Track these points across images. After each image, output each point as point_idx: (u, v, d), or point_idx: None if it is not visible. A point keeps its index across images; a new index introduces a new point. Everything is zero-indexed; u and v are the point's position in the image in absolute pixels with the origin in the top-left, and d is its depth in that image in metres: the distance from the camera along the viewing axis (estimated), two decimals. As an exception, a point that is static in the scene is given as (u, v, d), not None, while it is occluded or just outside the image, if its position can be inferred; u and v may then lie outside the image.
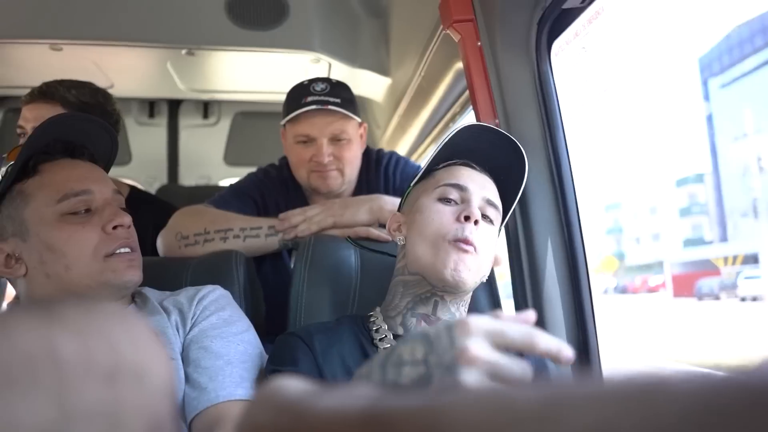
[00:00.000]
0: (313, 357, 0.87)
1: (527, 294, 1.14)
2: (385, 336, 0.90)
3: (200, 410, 0.87)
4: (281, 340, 0.93)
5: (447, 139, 0.94)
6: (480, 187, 0.93)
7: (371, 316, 0.95)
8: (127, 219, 0.97)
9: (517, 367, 0.43)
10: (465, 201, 0.91)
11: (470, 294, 0.95)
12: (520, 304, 1.17)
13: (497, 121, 1.16)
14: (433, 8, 1.30)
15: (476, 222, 0.89)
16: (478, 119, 1.18)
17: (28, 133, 1.43)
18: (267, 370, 0.90)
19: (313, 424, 0.32)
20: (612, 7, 0.94)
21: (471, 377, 0.42)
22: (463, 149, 0.97)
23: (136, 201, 1.59)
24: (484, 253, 0.90)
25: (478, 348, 0.42)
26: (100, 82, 1.83)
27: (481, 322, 0.44)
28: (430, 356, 0.44)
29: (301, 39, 1.83)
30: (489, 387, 0.41)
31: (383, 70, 1.98)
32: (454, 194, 0.92)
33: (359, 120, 1.48)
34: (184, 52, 1.86)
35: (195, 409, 0.88)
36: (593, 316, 1.10)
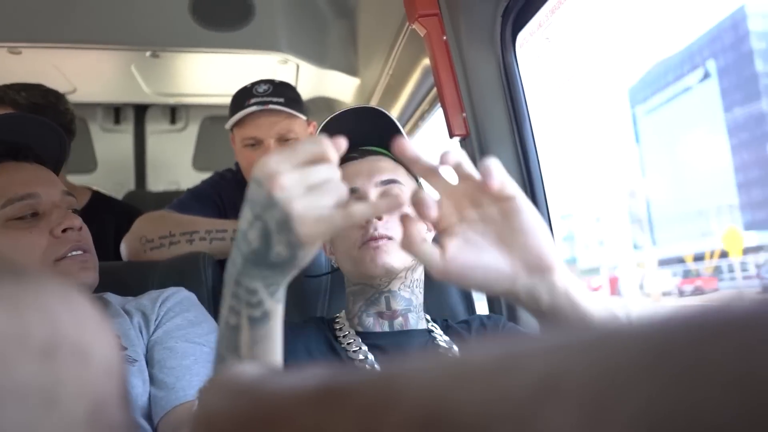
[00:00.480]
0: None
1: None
2: (348, 332, 0.90)
3: (168, 410, 0.85)
4: None
5: (320, 129, 0.93)
6: (368, 176, 0.91)
7: (337, 317, 0.95)
8: (77, 221, 0.93)
9: (323, 171, 0.47)
10: (362, 198, 0.89)
11: (416, 272, 0.93)
12: (492, 299, 1.17)
13: (464, 114, 1.16)
14: (398, 5, 1.30)
15: (379, 218, 0.86)
16: (445, 113, 1.18)
17: None
18: None
19: (269, 405, 0.32)
20: (574, -3, 0.95)
21: (292, 203, 0.46)
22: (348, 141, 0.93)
23: (98, 206, 1.56)
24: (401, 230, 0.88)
25: (280, 173, 0.47)
26: (62, 87, 1.78)
27: (274, 156, 0.48)
28: (255, 209, 0.48)
29: (267, 40, 1.82)
30: (431, 355, 0.40)
31: (352, 71, 1.97)
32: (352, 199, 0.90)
33: (305, 118, 1.47)
34: (148, 54, 1.83)
35: (163, 409, 0.86)
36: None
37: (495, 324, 0.96)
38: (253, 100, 1.41)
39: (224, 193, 1.50)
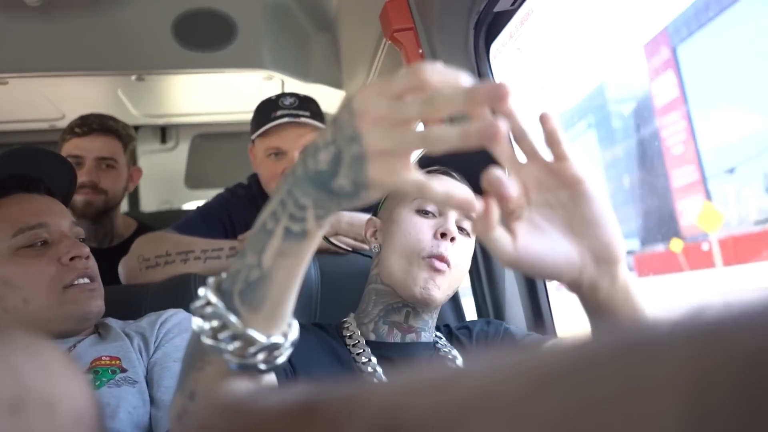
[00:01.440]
0: None
1: (485, 291, 1.16)
2: (358, 341, 0.90)
3: (167, 429, 0.87)
4: None
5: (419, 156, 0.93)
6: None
7: (345, 322, 0.95)
8: (85, 250, 0.97)
9: (407, 107, 0.42)
10: (442, 214, 0.90)
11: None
12: (479, 301, 1.19)
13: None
14: (375, 20, 1.32)
15: (452, 239, 0.87)
16: (424, 125, 1.20)
17: (85, 162, 1.55)
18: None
19: (256, 421, 0.34)
20: (541, 7, 0.97)
21: (373, 136, 0.43)
22: (444, 156, 0.95)
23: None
24: (458, 268, 0.90)
25: (375, 106, 0.43)
26: (51, 114, 1.81)
27: (374, 87, 0.44)
28: (337, 134, 0.45)
29: (251, 58, 1.84)
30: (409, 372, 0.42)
31: (336, 84, 1.99)
32: (431, 206, 0.91)
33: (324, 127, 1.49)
34: (133, 78, 1.85)
35: (162, 428, 0.88)
36: (550, 311, 1.12)
37: (496, 329, 0.97)
38: (281, 112, 1.43)
39: (234, 210, 1.51)
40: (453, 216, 0.90)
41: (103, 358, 0.93)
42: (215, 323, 0.50)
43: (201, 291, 0.52)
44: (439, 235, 0.88)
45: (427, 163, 0.97)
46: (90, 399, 0.32)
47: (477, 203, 0.44)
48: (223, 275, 0.53)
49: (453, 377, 0.26)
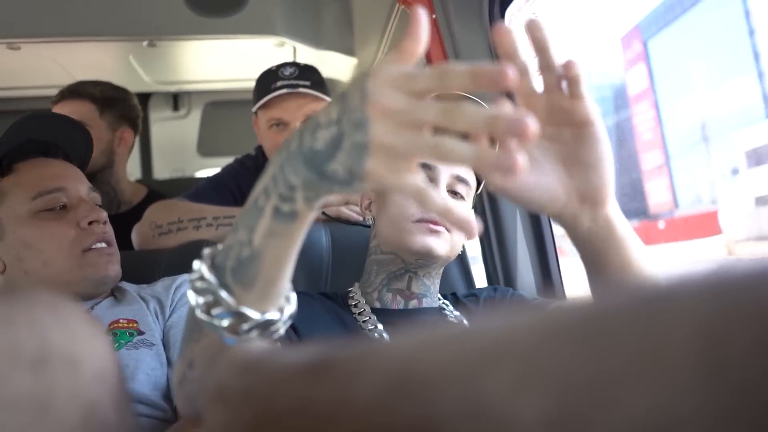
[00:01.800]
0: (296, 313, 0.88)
1: (496, 259, 1.16)
2: (363, 309, 0.91)
3: None
4: None
5: None
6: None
7: (350, 292, 0.96)
8: (103, 214, 0.99)
9: (424, 109, 0.38)
10: (433, 180, 0.90)
11: (443, 267, 0.96)
12: (489, 270, 1.19)
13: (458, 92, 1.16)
14: (389, -16, 1.30)
15: None
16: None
17: None
18: None
19: (268, 379, 0.35)
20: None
21: (381, 129, 0.40)
22: None
23: (152, 202, 1.57)
24: (455, 232, 0.90)
25: (389, 98, 0.39)
26: (63, 80, 1.81)
27: (393, 69, 0.40)
28: (343, 116, 0.42)
29: (263, 23, 1.82)
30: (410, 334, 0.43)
31: (348, 50, 1.97)
32: (421, 174, 0.90)
33: (330, 100, 1.48)
34: (145, 44, 1.84)
35: None
36: (560, 278, 1.12)
37: (503, 295, 0.98)
38: (280, 83, 1.43)
39: (243, 180, 1.52)
40: (444, 181, 0.89)
41: (121, 320, 0.95)
42: (209, 298, 0.49)
43: (195, 264, 0.50)
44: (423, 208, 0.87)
45: None
46: (112, 358, 0.33)
47: (475, 227, 0.41)
48: (219, 247, 0.51)
49: (465, 334, 0.26)
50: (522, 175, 0.47)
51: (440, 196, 0.41)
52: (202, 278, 0.49)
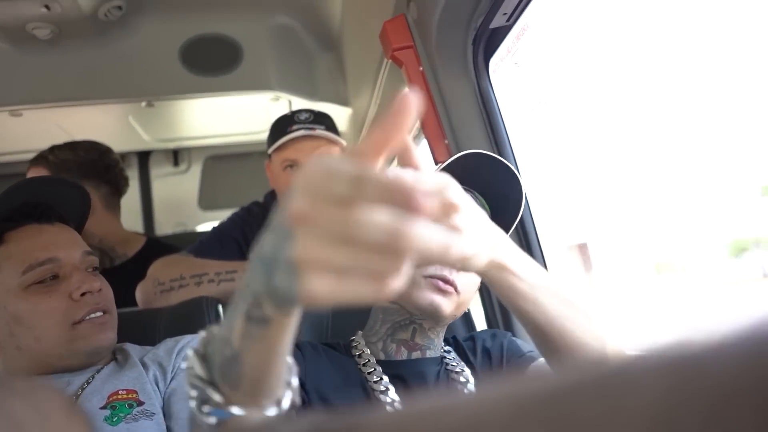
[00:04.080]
0: (302, 367, 0.86)
1: (494, 302, 1.16)
2: (368, 361, 0.90)
3: None
4: None
5: (440, 168, 0.89)
6: None
7: (353, 341, 0.96)
8: (96, 283, 0.97)
9: (344, 220, 0.32)
10: None
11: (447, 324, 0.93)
12: (488, 312, 1.19)
13: (447, 141, 1.18)
14: (377, 38, 1.34)
15: None
16: (428, 141, 1.21)
17: None
18: None
19: None
20: (536, 23, 0.98)
21: (306, 242, 0.33)
22: (457, 177, 0.91)
23: (150, 252, 1.58)
24: (466, 292, 0.87)
25: (311, 204, 0.33)
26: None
27: (318, 169, 0.33)
28: (274, 224, 0.36)
29: (258, 79, 1.87)
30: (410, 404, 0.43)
31: (343, 101, 2.01)
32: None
33: (344, 144, 1.52)
34: (143, 104, 1.88)
35: None
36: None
37: (500, 345, 0.96)
38: (296, 126, 1.47)
39: (249, 229, 1.54)
40: None
41: (120, 392, 0.93)
42: (200, 393, 0.46)
43: (189, 352, 0.48)
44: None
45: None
46: None
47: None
48: (215, 332, 0.48)
49: (445, 407, 0.27)
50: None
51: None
52: (193, 370, 0.47)
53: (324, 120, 1.51)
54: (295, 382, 0.50)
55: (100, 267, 1.03)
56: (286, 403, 0.48)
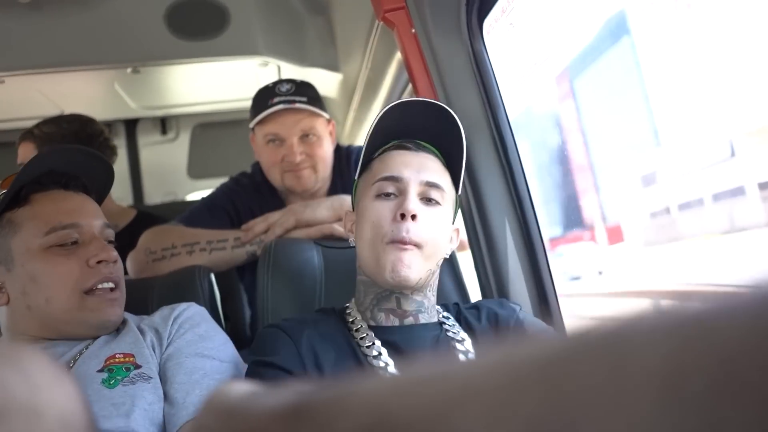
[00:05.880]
0: (294, 346, 0.88)
1: (488, 270, 1.16)
2: (361, 326, 0.91)
3: (179, 426, 0.88)
4: (262, 333, 0.94)
5: (375, 124, 0.92)
6: (416, 171, 0.90)
7: (347, 308, 0.96)
8: (113, 254, 0.99)
9: None
10: (402, 192, 0.89)
11: (434, 280, 0.94)
12: (482, 280, 1.19)
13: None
14: (368, 0, 1.31)
15: (414, 216, 0.86)
16: (421, 105, 1.19)
17: None
18: (249, 362, 0.91)
19: (250, 423, 0.35)
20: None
21: None
22: (398, 129, 0.94)
23: (141, 225, 1.56)
24: (430, 243, 0.88)
25: None
26: (49, 111, 1.81)
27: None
28: None
29: (245, 44, 1.83)
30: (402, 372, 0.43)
31: (333, 66, 1.98)
32: (390, 188, 0.90)
33: (327, 117, 1.50)
34: (129, 70, 1.84)
35: (174, 426, 0.88)
36: (554, 289, 1.12)
37: (508, 316, 0.95)
38: (277, 99, 1.44)
39: (239, 199, 1.52)
40: (413, 192, 0.89)
41: (117, 355, 0.93)
42: None
43: None
44: (398, 217, 0.87)
45: (383, 139, 0.94)
46: (77, 404, 0.33)
47: None
48: None
49: (438, 374, 0.27)
50: None
51: None
52: None
53: (306, 91, 1.47)
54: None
55: None
56: None
